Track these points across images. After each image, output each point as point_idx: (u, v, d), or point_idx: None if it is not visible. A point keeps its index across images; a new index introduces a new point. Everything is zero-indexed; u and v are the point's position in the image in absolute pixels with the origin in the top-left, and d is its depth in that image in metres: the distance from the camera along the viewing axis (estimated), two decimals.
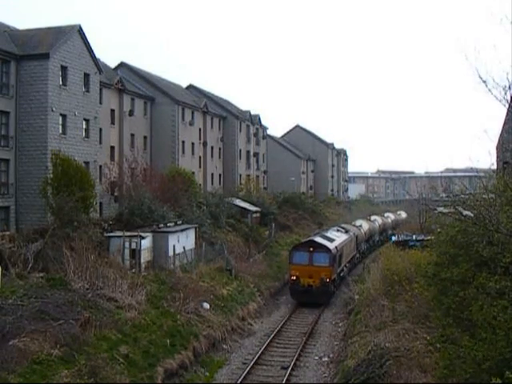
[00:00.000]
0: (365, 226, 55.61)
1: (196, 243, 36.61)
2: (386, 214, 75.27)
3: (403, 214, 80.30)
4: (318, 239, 36.57)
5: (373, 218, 65.18)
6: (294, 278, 33.82)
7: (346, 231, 45.34)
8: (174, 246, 32.44)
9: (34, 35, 37.46)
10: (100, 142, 42.87)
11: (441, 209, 19.64)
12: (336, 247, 35.95)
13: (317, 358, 24.28)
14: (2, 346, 16.82)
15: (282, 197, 67.76)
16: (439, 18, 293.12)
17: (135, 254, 30.02)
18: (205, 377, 21.59)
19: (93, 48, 39.59)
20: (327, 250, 34.35)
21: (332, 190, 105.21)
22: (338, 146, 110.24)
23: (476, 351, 11.36)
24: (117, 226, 35.13)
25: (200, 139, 59.73)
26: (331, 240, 37.73)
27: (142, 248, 30.32)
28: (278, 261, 43.85)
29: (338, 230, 44.63)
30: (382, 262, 31.09)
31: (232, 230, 46.28)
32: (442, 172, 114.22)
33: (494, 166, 21.22)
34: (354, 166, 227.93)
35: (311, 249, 34.26)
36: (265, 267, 40.22)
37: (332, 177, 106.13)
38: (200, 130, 59.83)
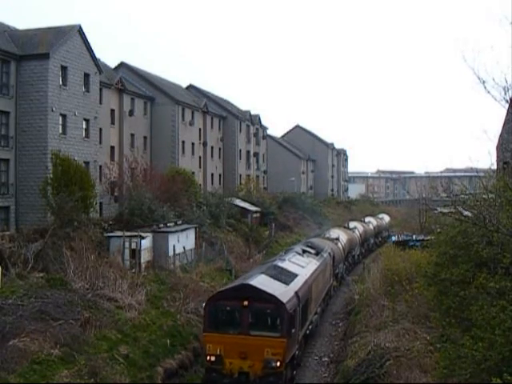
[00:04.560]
0: (343, 237, 41.52)
1: (196, 243, 36.60)
2: (366, 219, 60.45)
3: (386, 218, 71.30)
4: (262, 280, 19.55)
5: (352, 224, 51.37)
6: (213, 358, 17.89)
7: (318, 252, 29.90)
8: (174, 246, 32.45)
9: (34, 35, 37.47)
10: (100, 142, 42.87)
11: (441, 209, 19.63)
12: (296, 294, 19.75)
13: (317, 358, 24.27)
14: (2, 345, 16.83)
15: (282, 197, 67.82)
16: (439, 18, 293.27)
17: (135, 253, 30.03)
18: None
19: (93, 48, 39.65)
20: (277, 304, 17.92)
21: (332, 190, 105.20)
22: (338, 146, 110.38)
23: (476, 351, 11.36)
24: (117, 226, 35.12)
25: (200, 139, 59.73)
26: (288, 278, 21.29)
27: (142, 248, 30.33)
28: None
29: (304, 252, 28.22)
30: (382, 261, 31.10)
31: (232, 230, 46.30)
32: (441, 172, 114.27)
33: (494, 166, 21.20)
34: (354, 166, 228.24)
35: (246, 302, 17.83)
36: None
37: (332, 177, 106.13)
38: (200, 130, 59.83)
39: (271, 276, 20.62)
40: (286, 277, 21.36)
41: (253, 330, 18.03)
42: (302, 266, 24.77)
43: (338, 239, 39.17)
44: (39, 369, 16.39)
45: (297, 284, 21.08)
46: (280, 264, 23.46)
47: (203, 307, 19.07)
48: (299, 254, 27.55)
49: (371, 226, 58.09)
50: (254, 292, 18.23)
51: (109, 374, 17.21)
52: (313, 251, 29.72)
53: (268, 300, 18.11)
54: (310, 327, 23.94)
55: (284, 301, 18.14)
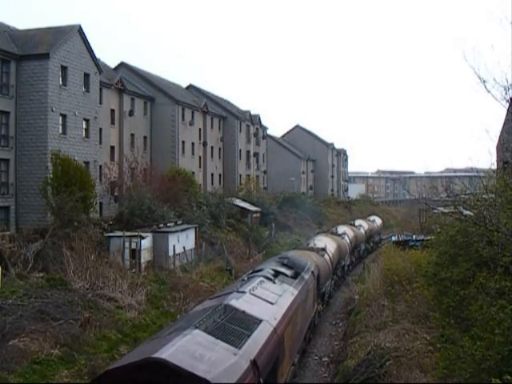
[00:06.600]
0: (331, 247, 33.29)
1: (196, 243, 36.64)
2: (357, 223, 52.63)
3: (378, 221, 65.24)
4: (190, 346, 9.28)
5: (341, 229, 43.38)
6: None
7: (297, 273, 20.19)
8: (174, 246, 32.48)
9: (34, 35, 37.51)
10: (100, 142, 42.90)
11: (441, 209, 19.61)
12: (255, 365, 9.97)
13: (317, 358, 24.26)
14: (2, 345, 16.84)
15: (282, 197, 67.83)
16: (439, 18, 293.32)
17: (135, 253, 30.07)
18: None
19: (93, 48, 39.68)
20: None
21: (332, 190, 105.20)
22: (338, 146, 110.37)
23: (475, 351, 11.35)
24: (117, 225, 35.15)
25: (200, 139, 59.76)
26: (244, 332, 11.06)
27: (142, 248, 30.37)
28: None
29: (276, 276, 18.02)
30: (382, 261, 31.08)
31: (232, 229, 46.32)
32: (441, 172, 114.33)
33: (494, 166, 21.18)
34: (354, 165, 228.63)
35: None
36: None
37: (332, 177, 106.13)
38: (200, 130, 59.86)
39: (212, 332, 10.41)
40: (240, 328, 11.34)
41: None
42: (271, 303, 14.70)
43: (324, 250, 30.88)
44: (39, 369, 16.41)
45: (257, 342, 11.24)
46: (234, 303, 12.95)
47: None
48: (269, 278, 17.20)
49: (362, 231, 50.56)
50: (170, 374, 8.60)
51: None
52: (289, 272, 19.87)
53: None
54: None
55: None
